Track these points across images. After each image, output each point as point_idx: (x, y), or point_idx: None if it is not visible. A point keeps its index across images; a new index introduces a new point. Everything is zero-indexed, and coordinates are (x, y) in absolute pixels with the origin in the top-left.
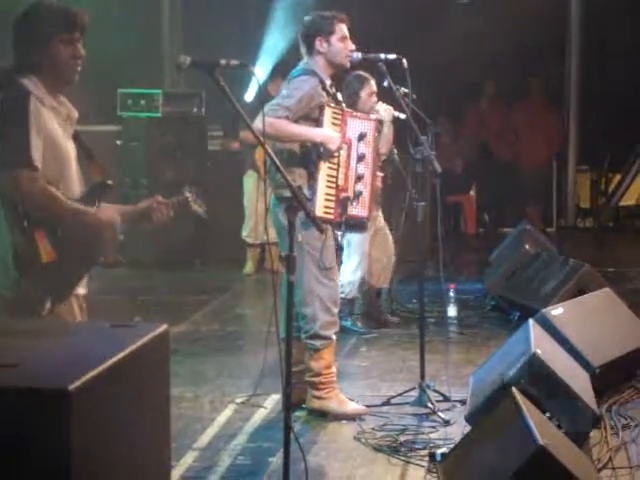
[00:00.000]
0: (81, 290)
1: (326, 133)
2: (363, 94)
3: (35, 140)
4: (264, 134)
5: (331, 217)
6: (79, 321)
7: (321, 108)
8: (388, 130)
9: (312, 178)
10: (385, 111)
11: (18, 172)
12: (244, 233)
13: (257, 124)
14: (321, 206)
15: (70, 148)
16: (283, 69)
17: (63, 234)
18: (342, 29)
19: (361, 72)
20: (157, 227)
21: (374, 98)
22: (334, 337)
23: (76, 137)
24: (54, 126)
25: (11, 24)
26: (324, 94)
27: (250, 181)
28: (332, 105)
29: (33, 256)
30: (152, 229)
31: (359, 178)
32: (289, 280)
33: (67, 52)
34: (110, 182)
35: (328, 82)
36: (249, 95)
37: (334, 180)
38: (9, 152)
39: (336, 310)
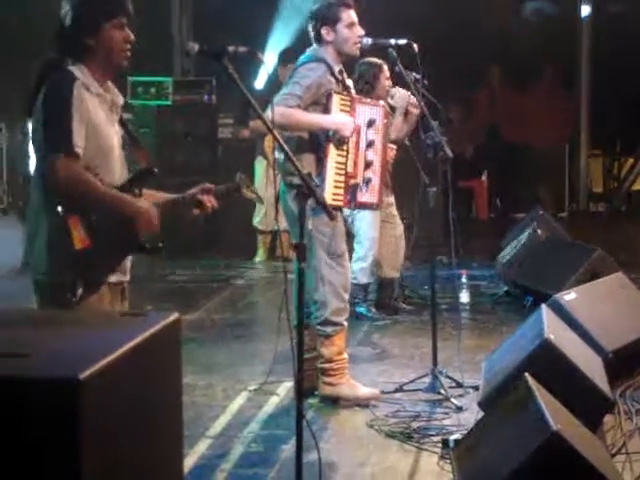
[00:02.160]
0: (115, 278)
1: (339, 119)
2: (382, 78)
3: (77, 126)
4: (275, 124)
5: (340, 204)
6: (91, 309)
7: (329, 95)
8: (401, 117)
9: (321, 165)
10: (401, 98)
11: (57, 158)
12: (255, 220)
13: (269, 114)
14: (330, 193)
15: (114, 135)
16: (292, 55)
17: (98, 221)
18: (350, 15)
19: (372, 59)
20: (204, 215)
21: (389, 82)
22: (345, 323)
23: (122, 123)
24: (99, 112)
25: (58, 14)
26: (333, 81)
27: (260, 168)
28: (340, 92)
29: (66, 242)
30: (201, 217)
31: (368, 165)
32: (300, 267)
33: (120, 36)
34: (155, 169)
35: (337, 68)
36: (259, 82)
37: (343, 167)
38: (51, 138)
39: (347, 296)
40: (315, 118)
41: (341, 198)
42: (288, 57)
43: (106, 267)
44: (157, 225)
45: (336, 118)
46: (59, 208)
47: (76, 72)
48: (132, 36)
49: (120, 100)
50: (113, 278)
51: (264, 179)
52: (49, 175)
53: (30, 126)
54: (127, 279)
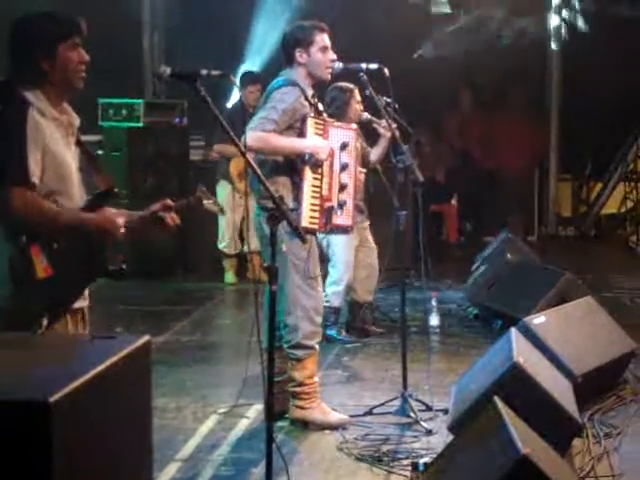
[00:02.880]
0: (80, 304)
1: (315, 143)
2: (353, 102)
3: (33, 154)
4: (252, 148)
5: (316, 227)
6: (59, 333)
7: (303, 119)
8: (383, 146)
9: (297, 188)
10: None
11: (13, 189)
12: (220, 245)
13: (249, 142)
14: (307, 216)
15: (71, 159)
16: (253, 77)
17: (60, 248)
18: (323, 39)
19: (343, 83)
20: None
21: (360, 106)
22: (317, 347)
23: (80, 144)
24: (55, 138)
25: (8, 36)
26: (307, 104)
27: (224, 192)
28: (313, 116)
29: (28, 271)
30: (161, 235)
31: (342, 187)
32: (271, 290)
33: (75, 57)
34: (115, 190)
35: (310, 92)
36: (231, 104)
37: (319, 190)
38: (4, 168)
39: (319, 320)
40: (292, 142)
41: (317, 221)
42: (249, 79)
43: (70, 295)
44: (121, 224)
45: (312, 142)
46: (22, 237)
47: (30, 97)
48: (87, 56)
49: (77, 121)
50: (79, 304)
51: (230, 203)
52: (5, 205)
53: None
54: (87, 304)
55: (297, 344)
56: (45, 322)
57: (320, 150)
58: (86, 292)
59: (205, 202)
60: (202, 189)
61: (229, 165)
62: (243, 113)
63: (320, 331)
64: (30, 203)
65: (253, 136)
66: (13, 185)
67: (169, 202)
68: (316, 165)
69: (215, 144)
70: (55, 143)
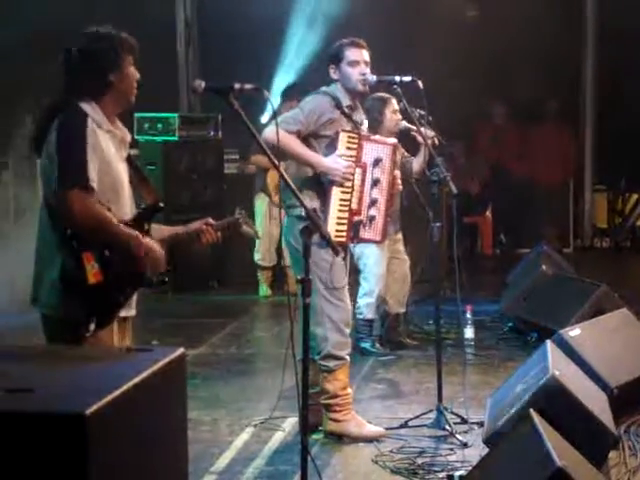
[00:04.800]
0: (124, 312)
1: (329, 164)
2: (387, 112)
3: (91, 161)
4: (268, 141)
5: (343, 239)
6: (98, 345)
7: (337, 133)
8: (423, 154)
9: (324, 201)
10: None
11: (73, 192)
12: (256, 256)
13: (268, 135)
14: (332, 230)
15: (123, 171)
16: (295, 91)
17: (110, 256)
18: (353, 53)
19: (379, 93)
20: (208, 248)
21: (398, 116)
22: (347, 357)
23: (130, 160)
24: (109, 149)
25: (69, 49)
26: (337, 112)
27: (261, 204)
28: (347, 129)
29: (80, 277)
30: (203, 249)
31: (373, 203)
32: (304, 303)
33: (134, 73)
34: (162, 205)
35: (346, 103)
36: (265, 118)
37: (347, 204)
38: (66, 171)
39: (348, 330)
40: (308, 155)
41: (344, 234)
42: (291, 94)
43: (118, 302)
44: (163, 264)
45: (328, 162)
46: (74, 243)
47: (87, 109)
48: (138, 74)
49: (128, 137)
50: (122, 312)
51: (266, 215)
52: (64, 208)
53: (41, 161)
54: (134, 314)
55: (327, 354)
56: (92, 327)
57: (335, 172)
58: (133, 302)
59: (243, 226)
60: (241, 212)
61: (266, 177)
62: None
63: (349, 342)
64: (90, 208)
65: (274, 130)
66: (73, 188)
67: (210, 221)
68: (332, 183)
69: (252, 155)
70: (110, 154)
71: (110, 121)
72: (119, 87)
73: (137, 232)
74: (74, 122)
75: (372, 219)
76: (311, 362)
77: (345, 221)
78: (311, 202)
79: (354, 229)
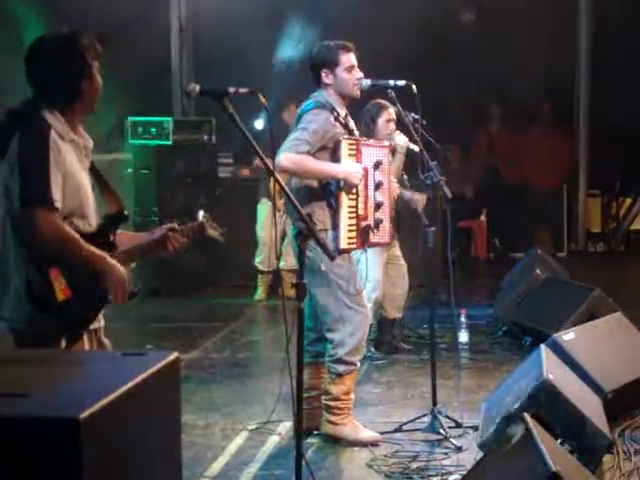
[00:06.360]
0: (95, 325)
1: (347, 169)
2: (380, 121)
3: (55, 177)
4: (284, 169)
5: (354, 246)
6: (90, 350)
7: (337, 142)
8: (399, 161)
9: (333, 211)
10: (402, 142)
11: (36, 211)
12: (257, 260)
13: (283, 162)
14: (344, 238)
15: (86, 181)
16: (295, 96)
17: (78, 271)
18: (349, 59)
19: (380, 100)
20: (172, 255)
21: (392, 125)
22: (358, 364)
23: (92, 168)
24: (72, 160)
25: (35, 53)
26: (338, 125)
27: (264, 209)
28: (346, 137)
29: (48, 294)
30: (168, 257)
31: (378, 206)
32: (299, 307)
33: (100, 80)
34: (126, 213)
35: (342, 112)
36: (259, 123)
37: (354, 210)
38: (28, 189)
39: (365, 336)
40: (326, 166)
41: (355, 241)
42: (288, 99)
43: (87, 316)
44: (129, 285)
45: (344, 167)
46: (39, 260)
47: (50, 119)
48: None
49: (90, 144)
50: (96, 324)
51: (269, 220)
52: (28, 227)
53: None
54: (102, 324)
55: (339, 359)
56: (63, 344)
57: (353, 175)
58: (101, 314)
59: (208, 229)
60: (205, 215)
61: (269, 181)
62: (271, 134)
63: (364, 348)
64: (55, 228)
65: (287, 157)
66: (37, 207)
67: (174, 226)
68: (351, 188)
69: (254, 160)
70: (73, 165)
71: (73, 129)
72: (88, 95)
73: (104, 254)
74: (37, 136)
75: (379, 222)
76: (309, 366)
77: (354, 227)
78: (323, 213)
79: (364, 234)
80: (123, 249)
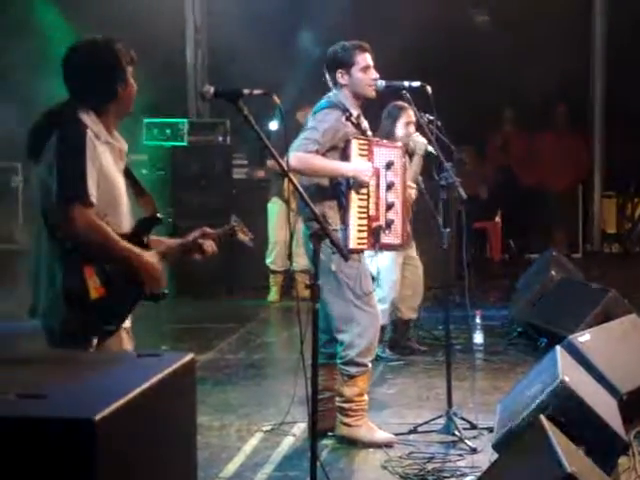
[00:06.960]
0: (128, 323)
1: (357, 167)
2: (399, 123)
3: (91, 175)
4: (293, 169)
5: (365, 247)
6: (106, 351)
7: (347, 141)
8: (417, 163)
9: (344, 211)
10: (421, 144)
11: (73, 207)
12: (268, 260)
13: (293, 163)
14: (354, 237)
15: (121, 183)
16: (307, 98)
17: (111, 270)
18: (364, 59)
19: (400, 102)
20: (204, 259)
21: (411, 128)
22: (370, 365)
23: (127, 171)
24: (108, 161)
25: (75, 58)
26: (349, 124)
27: (275, 208)
28: (357, 137)
29: (82, 292)
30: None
31: (389, 207)
32: (313, 308)
33: (134, 86)
34: (160, 216)
35: (355, 112)
36: (273, 124)
37: (365, 210)
38: (65, 186)
39: (376, 336)
40: (334, 165)
41: (365, 241)
42: (303, 101)
43: (120, 315)
44: (164, 281)
45: (354, 165)
46: (74, 256)
47: (87, 120)
48: (136, 86)
49: (125, 147)
50: (127, 323)
51: (280, 220)
52: (65, 222)
53: (37, 170)
54: (129, 325)
55: (350, 360)
56: (95, 342)
57: (362, 173)
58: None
59: (239, 234)
60: (237, 220)
61: (284, 182)
62: (285, 135)
63: (375, 349)
64: (91, 223)
65: (296, 157)
66: (74, 202)
67: (207, 230)
68: (361, 186)
69: (268, 160)
70: (108, 167)
71: (109, 132)
72: (123, 98)
73: (139, 250)
74: (74, 134)
75: (391, 223)
76: (323, 367)
77: (365, 228)
78: (333, 213)
79: (375, 235)
80: (155, 251)
